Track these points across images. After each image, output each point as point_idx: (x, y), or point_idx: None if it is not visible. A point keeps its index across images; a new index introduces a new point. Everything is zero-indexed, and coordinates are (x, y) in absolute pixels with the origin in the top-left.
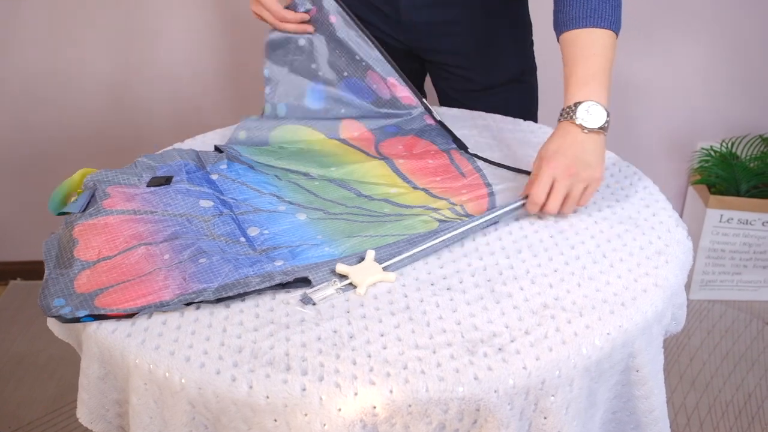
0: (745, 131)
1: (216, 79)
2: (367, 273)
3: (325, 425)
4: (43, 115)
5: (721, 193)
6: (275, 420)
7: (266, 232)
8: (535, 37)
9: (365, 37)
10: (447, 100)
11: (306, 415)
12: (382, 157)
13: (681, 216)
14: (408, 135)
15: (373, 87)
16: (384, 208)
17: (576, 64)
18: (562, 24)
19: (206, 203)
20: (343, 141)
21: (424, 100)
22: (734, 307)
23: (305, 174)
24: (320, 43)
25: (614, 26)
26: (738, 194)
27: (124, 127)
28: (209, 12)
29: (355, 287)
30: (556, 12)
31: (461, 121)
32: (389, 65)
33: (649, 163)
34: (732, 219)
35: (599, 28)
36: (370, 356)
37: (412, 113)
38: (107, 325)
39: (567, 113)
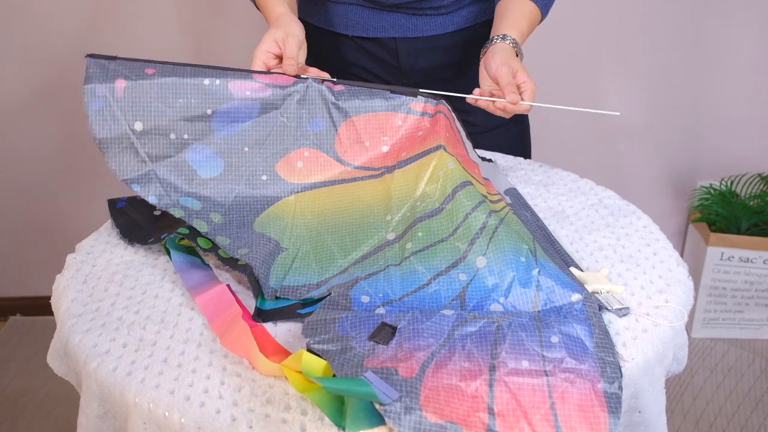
0: (744, 170)
1: None
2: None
3: None
4: (43, 150)
5: (722, 231)
6: None
7: (380, 295)
8: None
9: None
10: None
11: None
12: (381, 170)
13: (682, 253)
14: (348, 119)
15: (246, 94)
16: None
17: (509, 16)
18: None
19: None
20: (311, 185)
21: (302, 76)
22: (737, 345)
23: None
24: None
25: (544, 10)
26: (738, 232)
27: None
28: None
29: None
30: None
31: None
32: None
33: (648, 201)
34: (733, 257)
35: (537, 6)
36: None
37: (306, 89)
38: (108, 364)
39: (502, 38)
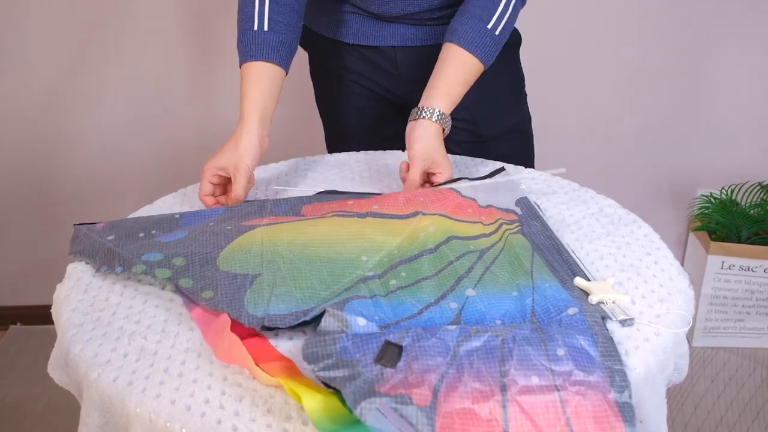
0: (744, 178)
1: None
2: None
3: None
4: (45, 162)
5: (722, 240)
6: None
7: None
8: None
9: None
10: None
11: None
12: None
13: (682, 262)
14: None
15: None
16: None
17: (443, 75)
18: (457, 36)
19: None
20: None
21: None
22: (738, 354)
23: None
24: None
25: (487, 62)
26: (739, 241)
27: (129, 176)
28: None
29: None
30: (459, 23)
31: (468, 167)
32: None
33: (649, 210)
34: (733, 266)
35: (477, 58)
36: None
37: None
38: (108, 374)
39: (430, 115)
